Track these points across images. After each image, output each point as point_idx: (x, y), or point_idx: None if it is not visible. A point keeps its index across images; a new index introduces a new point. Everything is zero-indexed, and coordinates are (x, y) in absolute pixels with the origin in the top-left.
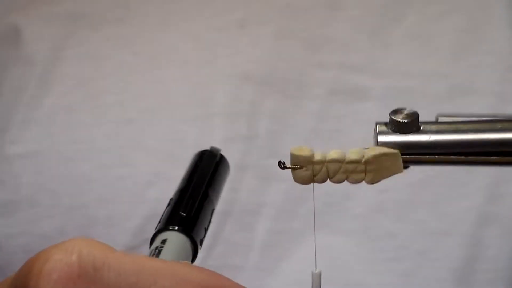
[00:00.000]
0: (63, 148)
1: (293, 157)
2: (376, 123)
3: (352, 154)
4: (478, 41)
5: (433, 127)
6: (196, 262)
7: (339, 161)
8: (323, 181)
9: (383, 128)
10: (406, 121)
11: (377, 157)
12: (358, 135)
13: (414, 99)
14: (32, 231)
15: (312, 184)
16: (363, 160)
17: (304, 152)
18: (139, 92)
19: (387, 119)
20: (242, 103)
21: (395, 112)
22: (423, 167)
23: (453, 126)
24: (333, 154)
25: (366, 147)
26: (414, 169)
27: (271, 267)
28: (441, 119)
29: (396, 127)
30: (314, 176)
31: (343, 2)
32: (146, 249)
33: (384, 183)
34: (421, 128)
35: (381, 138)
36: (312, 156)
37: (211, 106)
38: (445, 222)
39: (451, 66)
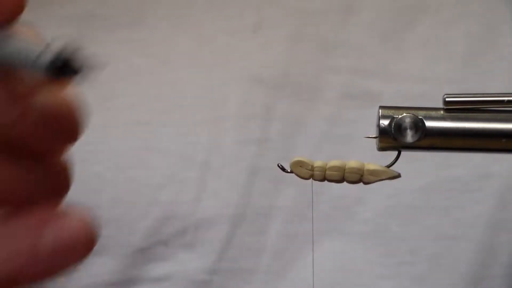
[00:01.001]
0: (76, 149)
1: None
2: (380, 107)
3: (350, 175)
4: (490, 47)
5: (433, 113)
6: (208, 266)
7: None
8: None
9: (386, 112)
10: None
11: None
12: (369, 140)
13: (426, 104)
14: None
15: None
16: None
17: (302, 173)
18: (152, 94)
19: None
20: (254, 106)
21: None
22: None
23: (453, 115)
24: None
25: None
26: (424, 173)
27: (283, 271)
28: (448, 99)
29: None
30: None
31: (356, 6)
32: (159, 251)
33: (394, 187)
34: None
35: (383, 122)
36: (312, 171)
37: (223, 109)
38: (456, 227)
39: (463, 72)
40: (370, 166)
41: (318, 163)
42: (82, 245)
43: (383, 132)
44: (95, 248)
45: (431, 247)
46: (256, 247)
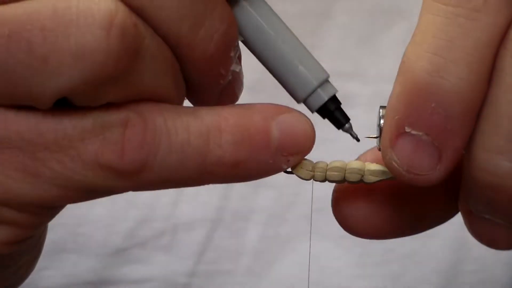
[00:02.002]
0: None
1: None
2: (380, 107)
3: (351, 175)
4: None
5: None
6: (187, 269)
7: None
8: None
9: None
10: None
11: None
12: (347, 141)
13: None
14: None
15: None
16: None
17: (303, 174)
18: None
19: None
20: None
21: None
22: None
23: None
24: (334, 167)
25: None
26: None
27: (262, 272)
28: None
29: None
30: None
31: (332, 11)
32: (137, 252)
33: None
34: None
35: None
36: (313, 172)
37: None
38: None
39: None
40: (371, 166)
41: (319, 164)
42: (305, 139)
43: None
44: (73, 247)
45: (407, 245)
46: (235, 250)
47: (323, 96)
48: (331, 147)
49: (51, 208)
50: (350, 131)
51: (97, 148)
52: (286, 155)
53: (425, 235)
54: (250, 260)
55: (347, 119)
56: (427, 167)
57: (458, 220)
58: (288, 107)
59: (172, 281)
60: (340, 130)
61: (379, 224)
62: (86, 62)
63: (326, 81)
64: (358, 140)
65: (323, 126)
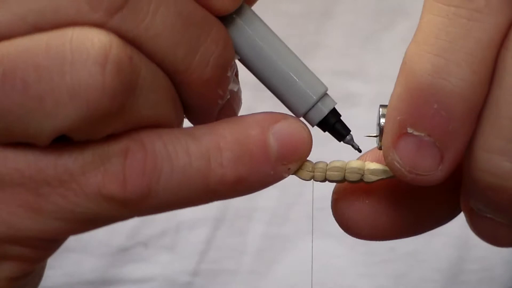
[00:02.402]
0: None
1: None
2: (380, 106)
3: (351, 175)
4: None
5: None
6: (189, 268)
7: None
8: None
9: (386, 110)
10: None
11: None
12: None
13: None
14: None
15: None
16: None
17: (303, 175)
18: None
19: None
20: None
21: None
22: None
23: None
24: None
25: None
26: None
27: (265, 271)
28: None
29: None
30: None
31: (335, 10)
32: (139, 251)
33: None
34: None
35: (383, 121)
36: (313, 173)
37: None
38: None
39: None
40: (371, 165)
41: (318, 164)
42: (303, 145)
43: (383, 131)
44: (76, 246)
45: (410, 244)
46: (237, 249)
47: (324, 110)
48: (331, 147)
49: (54, 241)
50: (351, 142)
51: (99, 180)
52: (286, 164)
53: (428, 234)
54: (253, 259)
55: (348, 131)
56: (429, 168)
57: (460, 219)
58: (282, 114)
59: (174, 280)
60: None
61: (379, 226)
62: (82, 100)
63: (325, 94)
64: (360, 151)
65: None
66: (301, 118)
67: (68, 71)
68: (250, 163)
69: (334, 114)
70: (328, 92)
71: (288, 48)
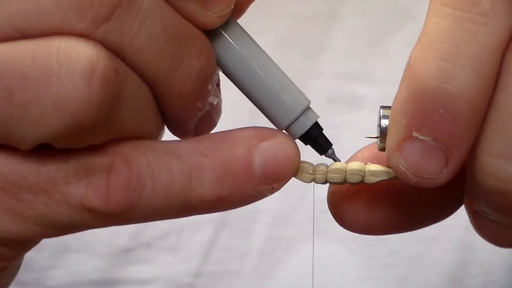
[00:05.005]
0: None
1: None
2: (381, 107)
3: (352, 177)
4: None
5: None
6: (192, 269)
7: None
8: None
9: (387, 112)
10: None
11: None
12: (354, 143)
13: None
14: None
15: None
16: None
17: (304, 177)
18: None
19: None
20: (241, 111)
21: None
22: None
23: None
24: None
25: (366, 163)
26: None
27: (267, 273)
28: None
29: None
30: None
31: (341, 13)
32: (142, 252)
33: None
34: None
35: (384, 122)
36: (313, 175)
37: None
38: (436, 227)
39: None
40: (371, 167)
41: (319, 166)
42: (289, 165)
43: (384, 132)
44: (78, 247)
45: (413, 248)
46: (240, 250)
47: (306, 123)
48: (333, 147)
49: (32, 242)
50: (333, 156)
51: (82, 192)
52: (270, 183)
53: (431, 238)
54: (256, 261)
55: (330, 145)
56: (434, 171)
57: (463, 223)
58: (271, 130)
59: (177, 281)
60: (339, 132)
61: (374, 220)
62: (67, 112)
63: (308, 107)
64: None
65: (325, 126)
66: (283, 131)
67: (54, 82)
68: (232, 183)
69: (317, 127)
70: (331, 94)
71: (272, 61)
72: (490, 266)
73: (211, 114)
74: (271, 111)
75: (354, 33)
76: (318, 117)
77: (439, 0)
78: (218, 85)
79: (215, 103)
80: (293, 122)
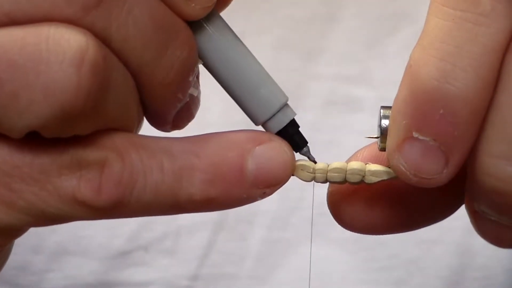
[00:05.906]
0: None
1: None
2: (381, 107)
3: (352, 176)
4: None
5: None
6: (189, 272)
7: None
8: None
9: (388, 112)
10: None
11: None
12: (352, 145)
13: None
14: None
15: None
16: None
17: (304, 176)
18: None
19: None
20: (238, 113)
21: None
22: None
23: None
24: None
25: (367, 163)
26: None
27: (265, 276)
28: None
29: None
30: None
31: (340, 15)
32: (140, 255)
33: None
34: None
35: (384, 122)
36: (313, 174)
37: (206, 116)
38: (435, 231)
39: None
40: (372, 166)
41: (319, 165)
42: (282, 171)
43: (384, 132)
44: (76, 249)
45: (411, 251)
46: (238, 253)
47: (284, 120)
48: (332, 149)
49: (21, 231)
50: (308, 154)
51: (75, 185)
52: (262, 188)
53: (430, 242)
54: (253, 264)
55: (305, 143)
56: (434, 171)
57: (462, 226)
58: (267, 134)
59: (174, 284)
60: (337, 134)
61: (373, 219)
62: (56, 100)
63: (285, 104)
64: (315, 162)
65: (323, 128)
66: (259, 127)
67: (43, 70)
68: (221, 186)
69: (293, 124)
70: (329, 97)
71: (253, 56)
72: (489, 269)
73: (190, 106)
74: (249, 106)
75: (352, 36)
76: (295, 114)
77: (440, 1)
78: (197, 77)
79: (195, 94)
80: (270, 118)
